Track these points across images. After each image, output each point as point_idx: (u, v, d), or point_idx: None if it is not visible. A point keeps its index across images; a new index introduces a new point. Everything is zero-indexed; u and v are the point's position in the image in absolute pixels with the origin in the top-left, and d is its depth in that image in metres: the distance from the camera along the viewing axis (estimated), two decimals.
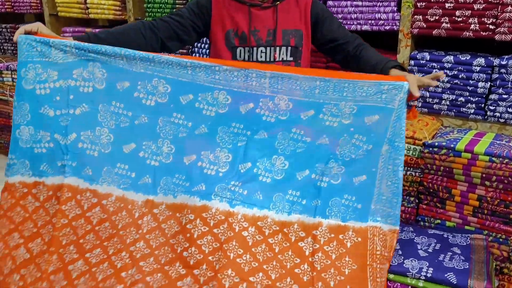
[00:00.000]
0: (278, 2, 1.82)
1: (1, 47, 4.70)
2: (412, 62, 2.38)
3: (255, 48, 1.84)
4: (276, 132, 1.55)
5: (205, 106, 1.54)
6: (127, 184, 1.58)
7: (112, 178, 1.58)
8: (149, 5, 3.30)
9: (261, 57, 1.85)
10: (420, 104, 2.41)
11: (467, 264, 1.79)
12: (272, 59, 1.86)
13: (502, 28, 2.15)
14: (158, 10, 3.24)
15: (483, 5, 2.17)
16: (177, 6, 3.15)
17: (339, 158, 1.54)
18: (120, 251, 1.56)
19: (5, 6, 4.45)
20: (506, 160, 1.93)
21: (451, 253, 1.87)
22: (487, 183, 2.00)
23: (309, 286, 1.50)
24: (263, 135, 1.56)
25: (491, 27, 2.18)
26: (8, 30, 4.57)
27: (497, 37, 2.17)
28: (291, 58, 1.89)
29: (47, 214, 1.60)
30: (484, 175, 2.00)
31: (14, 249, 1.62)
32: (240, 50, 1.84)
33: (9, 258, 1.62)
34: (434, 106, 2.38)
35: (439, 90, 2.34)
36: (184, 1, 3.12)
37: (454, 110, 2.35)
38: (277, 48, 1.85)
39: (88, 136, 1.57)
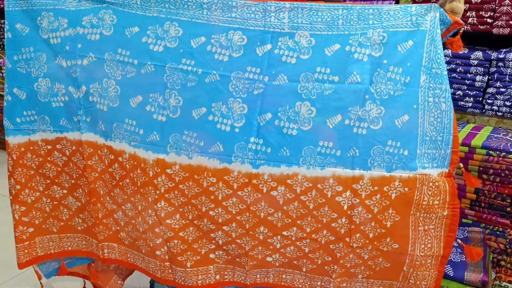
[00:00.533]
0: None
1: (1, 42, 4.71)
2: None
3: None
4: (298, 74, 1.36)
5: (218, 49, 1.39)
6: (136, 141, 1.47)
7: (123, 135, 1.48)
8: None
9: None
10: None
11: (464, 256, 1.80)
12: None
13: (500, 22, 2.16)
14: None
15: None
16: None
17: (376, 97, 1.33)
18: (147, 208, 1.52)
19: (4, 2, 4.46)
20: (503, 154, 1.95)
21: None
22: (484, 176, 2.01)
23: (346, 237, 1.40)
24: (283, 80, 1.36)
25: (489, 20, 2.19)
26: None
27: (494, 30, 2.18)
28: None
29: (78, 168, 1.58)
30: (481, 169, 2.01)
31: (63, 199, 1.64)
32: None
33: (63, 207, 1.65)
34: None
35: None
36: None
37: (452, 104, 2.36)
38: None
39: (96, 89, 1.48)
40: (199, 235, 1.52)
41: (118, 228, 1.62)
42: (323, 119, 1.36)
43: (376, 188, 1.36)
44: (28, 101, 1.55)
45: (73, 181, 1.61)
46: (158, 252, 1.56)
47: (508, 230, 2.02)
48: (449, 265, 1.74)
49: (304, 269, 1.51)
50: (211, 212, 1.47)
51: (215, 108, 1.40)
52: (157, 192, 1.48)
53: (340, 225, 1.40)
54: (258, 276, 1.54)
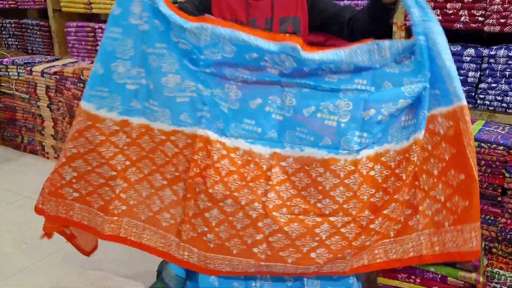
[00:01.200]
0: None
1: (6, 42, 4.78)
2: None
3: None
4: (401, 80, 1.51)
5: (328, 74, 1.56)
6: (253, 138, 1.59)
7: (239, 133, 1.59)
8: None
9: None
10: None
11: None
12: None
13: (491, 20, 2.24)
14: None
15: None
16: None
17: (407, 96, 1.51)
18: (253, 201, 1.58)
19: (9, 2, 4.52)
20: (494, 146, 2.03)
21: None
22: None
23: (415, 181, 1.56)
24: (388, 86, 1.52)
25: (480, 19, 2.27)
26: (12, 25, 4.64)
27: (486, 28, 2.26)
28: None
29: (187, 161, 1.63)
30: None
31: (160, 189, 1.69)
32: None
33: (157, 198, 1.70)
34: None
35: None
36: None
37: None
38: None
39: (218, 93, 1.58)
40: (303, 232, 1.58)
41: (206, 229, 1.64)
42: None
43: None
44: (154, 92, 1.61)
45: (177, 174, 1.66)
46: (255, 250, 1.61)
47: (499, 218, 2.10)
48: None
49: (392, 234, 1.61)
50: (318, 204, 1.57)
51: (323, 107, 1.54)
52: (269, 183, 1.58)
53: (411, 170, 1.53)
54: (365, 257, 1.65)
